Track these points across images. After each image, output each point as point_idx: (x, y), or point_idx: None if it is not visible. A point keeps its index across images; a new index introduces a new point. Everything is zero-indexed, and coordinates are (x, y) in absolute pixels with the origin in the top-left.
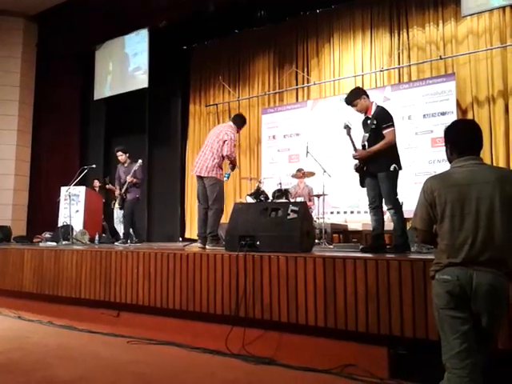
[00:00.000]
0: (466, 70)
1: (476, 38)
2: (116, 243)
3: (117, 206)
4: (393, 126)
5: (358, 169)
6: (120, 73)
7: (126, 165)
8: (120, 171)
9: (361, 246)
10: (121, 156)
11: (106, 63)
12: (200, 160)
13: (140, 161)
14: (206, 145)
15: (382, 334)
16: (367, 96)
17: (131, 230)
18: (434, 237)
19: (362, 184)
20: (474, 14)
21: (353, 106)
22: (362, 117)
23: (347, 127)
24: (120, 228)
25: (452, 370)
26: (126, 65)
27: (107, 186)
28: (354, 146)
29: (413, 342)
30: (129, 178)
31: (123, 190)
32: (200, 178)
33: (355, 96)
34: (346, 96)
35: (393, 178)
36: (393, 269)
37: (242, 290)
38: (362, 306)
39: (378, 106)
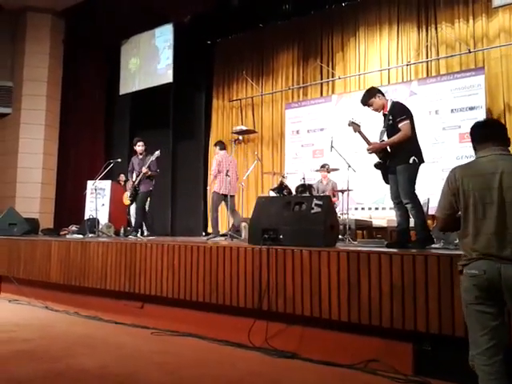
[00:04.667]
0: (498, 66)
1: (508, 35)
2: (130, 236)
3: (127, 197)
4: (408, 118)
5: (378, 165)
6: (146, 68)
7: (141, 156)
8: (134, 163)
9: (386, 242)
10: (142, 146)
11: (131, 58)
12: (232, 181)
13: (158, 152)
14: (231, 168)
15: (406, 329)
16: (382, 94)
17: (134, 223)
18: (454, 225)
19: (386, 180)
20: (505, 5)
21: (369, 105)
22: (372, 112)
23: (353, 124)
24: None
25: (480, 367)
26: (153, 59)
27: (120, 180)
28: (366, 140)
29: (438, 339)
30: (144, 169)
31: (136, 182)
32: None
33: (370, 95)
34: (360, 98)
35: (412, 170)
36: (419, 264)
37: (265, 284)
38: (386, 301)
39: (393, 102)
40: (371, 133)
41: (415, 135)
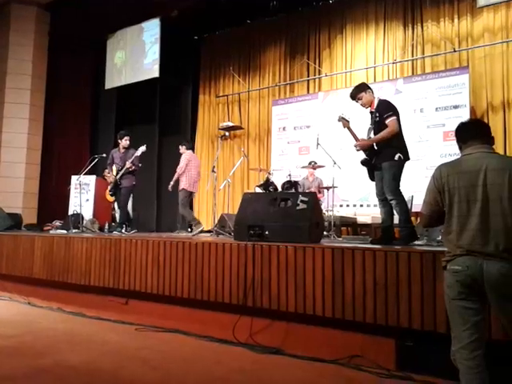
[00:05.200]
0: (482, 66)
1: (492, 35)
2: (114, 232)
3: (109, 193)
4: (394, 115)
5: (363, 162)
6: (132, 62)
7: (123, 150)
8: (115, 156)
9: (370, 239)
10: (128, 141)
11: (117, 52)
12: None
13: (144, 147)
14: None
15: (389, 325)
16: (371, 91)
17: (118, 219)
18: (438, 221)
19: (372, 177)
20: (490, 5)
21: (358, 99)
22: (361, 109)
23: (343, 119)
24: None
25: (461, 361)
26: (139, 54)
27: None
28: (355, 136)
29: (421, 334)
30: (128, 164)
31: (119, 176)
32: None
33: (360, 90)
34: (350, 92)
35: (396, 167)
36: (402, 260)
37: (250, 280)
38: (370, 297)
39: (379, 100)
40: (359, 130)
41: (401, 132)
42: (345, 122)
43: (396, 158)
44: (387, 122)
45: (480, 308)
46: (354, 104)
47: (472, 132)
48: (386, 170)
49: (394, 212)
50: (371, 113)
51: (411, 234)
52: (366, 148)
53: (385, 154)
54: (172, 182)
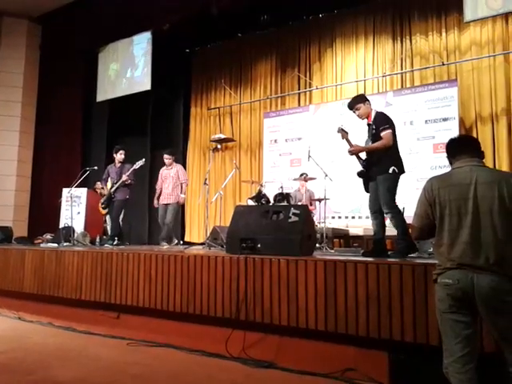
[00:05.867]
0: (469, 79)
1: (479, 48)
2: (106, 245)
3: (100, 205)
4: (390, 128)
5: (360, 174)
6: (123, 75)
7: (119, 165)
8: (111, 171)
9: (362, 251)
10: (122, 155)
11: (109, 65)
12: None
13: (142, 161)
14: None
15: (382, 338)
16: (369, 103)
17: (110, 232)
18: (429, 234)
19: (367, 189)
20: (476, 20)
21: (355, 110)
22: (359, 122)
23: (342, 131)
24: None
25: (454, 375)
26: (130, 66)
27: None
28: (350, 144)
29: (413, 347)
30: (124, 177)
31: (113, 189)
32: None
33: (358, 100)
34: (348, 101)
35: (391, 180)
36: (394, 273)
37: (243, 293)
38: (362, 310)
39: (376, 112)
40: (356, 142)
41: (396, 145)
42: (344, 134)
43: (390, 171)
44: (382, 134)
45: (471, 321)
46: (347, 116)
47: (462, 147)
48: (381, 183)
49: (387, 224)
50: (368, 125)
51: (409, 246)
52: (362, 159)
53: (379, 167)
54: (184, 195)
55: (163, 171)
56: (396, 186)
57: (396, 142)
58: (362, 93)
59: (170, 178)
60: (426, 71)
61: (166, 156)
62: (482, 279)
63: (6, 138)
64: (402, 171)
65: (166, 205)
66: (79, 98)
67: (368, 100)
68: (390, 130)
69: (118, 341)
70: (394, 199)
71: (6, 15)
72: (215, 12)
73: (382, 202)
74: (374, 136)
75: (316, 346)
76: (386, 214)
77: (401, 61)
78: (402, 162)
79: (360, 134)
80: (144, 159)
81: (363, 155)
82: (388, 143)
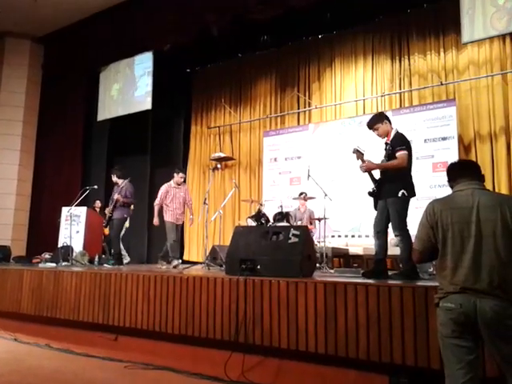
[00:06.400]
0: (468, 98)
1: (477, 68)
2: (105, 265)
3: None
4: (406, 149)
5: (371, 193)
6: (124, 94)
7: (117, 185)
8: (113, 191)
9: (362, 271)
10: (114, 176)
11: (110, 85)
12: None
13: (126, 180)
14: None
15: (383, 361)
16: (389, 121)
17: (113, 251)
18: (430, 257)
19: (376, 207)
20: (474, 42)
21: (374, 130)
22: (372, 142)
23: (357, 152)
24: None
25: None
26: (132, 86)
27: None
28: (363, 161)
29: (414, 371)
30: (115, 196)
31: (110, 209)
32: None
33: (377, 120)
34: (367, 121)
35: (401, 204)
36: (394, 295)
37: (242, 315)
38: (363, 333)
39: (396, 132)
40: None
41: (409, 168)
42: (359, 155)
43: (399, 194)
44: (397, 154)
45: (474, 346)
46: (345, 136)
47: (462, 170)
48: (390, 206)
49: (389, 244)
50: (386, 144)
51: (413, 272)
52: (374, 179)
53: (389, 190)
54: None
55: (172, 189)
56: (406, 209)
57: (410, 164)
58: (382, 111)
59: (180, 197)
60: (424, 91)
61: (181, 174)
62: (484, 303)
63: (7, 156)
64: (411, 195)
65: (178, 225)
66: (80, 117)
67: (387, 118)
68: (405, 151)
69: (116, 363)
70: (405, 222)
71: (9, 36)
72: (215, 33)
73: (393, 225)
74: (390, 156)
75: (316, 369)
76: (396, 236)
77: (399, 80)
78: (412, 186)
79: (375, 152)
80: (129, 178)
81: (377, 175)
82: (401, 164)
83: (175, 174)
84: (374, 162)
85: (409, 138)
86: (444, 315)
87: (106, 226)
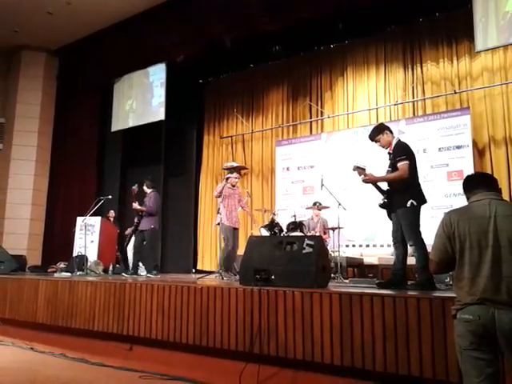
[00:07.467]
0: (482, 105)
1: (491, 74)
2: (123, 274)
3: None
4: (407, 159)
5: (382, 205)
6: (138, 105)
7: (147, 194)
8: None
9: (377, 281)
10: (238, 178)
11: (124, 96)
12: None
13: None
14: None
15: (400, 374)
16: (390, 132)
17: (140, 263)
18: (448, 268)
19: (390, 217)
20: (487, 50)
21: (376, 141)
22: (376, 154)
23: (358, 168)
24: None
25: None
26: (145, 97)
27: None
28: (365, 175)
29: None
30: (134, 205)
31: (136, 219)
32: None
33: (377, 132)
34: (369, 133)
35: (411, 214)
36: (411, 306)
37: (257, 326)
38: (379, 345)
39: (397, 141)
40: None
41: (414, 177)
42: (360, 171)
43: (408, 204)
44: (399, 165)
45: (493, 358)
46: (361, 144)
47: (479, 181)
48: (401, 217)
49: (413, 256)
50: (389, 154)
51: (429, 282)
52: (374, 182)
53: (398, 201)
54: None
55: (227, 189)
56: (417, 218)
57: (415, 173)
58: (382, 122)
59: (236, 199)
60: (437, 99)
61: (236, 174)
62: (503, 315)
63: (22, 166)
64: (421, 203)
65: (236, 229)
66: (94, 127)
67: (388, 129)
68: (406, 162)
69: (131, 373)
70: (418, 232)
71: (26, 49)
72: (228, 44)
73: (406, 236)
74: (393, 166)
75: (332, 380)
76: (410, 246)
77: (412, 89)
78: (421, 194)
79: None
80: (136, 184)
81: (384, 186)
82: (403, 175)
83: (229, 175)
84: (376, 174)
85: (423, 147)
86: (462, 327)
87: (131, 237)
